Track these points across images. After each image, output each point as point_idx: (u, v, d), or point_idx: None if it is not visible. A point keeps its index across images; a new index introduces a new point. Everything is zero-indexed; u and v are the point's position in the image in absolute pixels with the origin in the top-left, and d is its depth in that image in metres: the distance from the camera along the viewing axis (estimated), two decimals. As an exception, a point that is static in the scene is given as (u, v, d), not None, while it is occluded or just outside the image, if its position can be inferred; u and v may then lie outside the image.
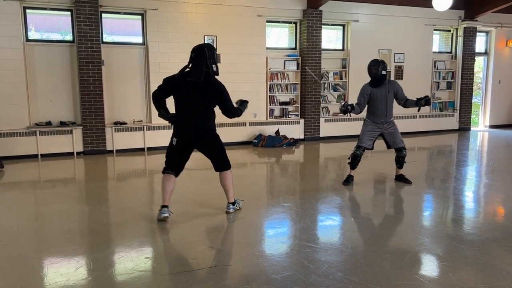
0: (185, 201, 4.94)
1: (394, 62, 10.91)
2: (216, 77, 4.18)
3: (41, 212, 4.78)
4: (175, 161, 4.28)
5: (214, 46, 4.16)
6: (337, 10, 10.04)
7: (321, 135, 10.20)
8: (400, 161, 5.76)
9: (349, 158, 5.75)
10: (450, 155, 8.69)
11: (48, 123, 8.12)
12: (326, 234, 3.99)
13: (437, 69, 11.48)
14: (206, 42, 8.97)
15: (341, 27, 10.48)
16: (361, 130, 5.66)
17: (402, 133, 10.80)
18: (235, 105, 4.41)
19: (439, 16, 10.90)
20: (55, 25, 8.49)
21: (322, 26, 9.84)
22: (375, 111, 5.52)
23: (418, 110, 5.60)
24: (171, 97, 4.23)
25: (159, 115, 4.26)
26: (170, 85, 4.15)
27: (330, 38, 10.62)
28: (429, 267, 3.23)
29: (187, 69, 4.10)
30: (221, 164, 4.36)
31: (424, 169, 7.17)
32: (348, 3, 10.14)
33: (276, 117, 9.97)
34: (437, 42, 11.78)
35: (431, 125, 11.50)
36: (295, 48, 10.11)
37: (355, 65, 10.46)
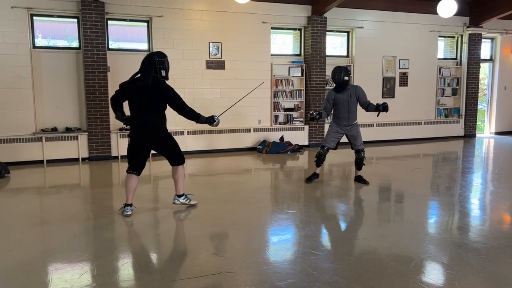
0: (189, 209, 4.95)
1: (399, 68, 10.92)
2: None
3: (46, 218, 4.80)
4: (134, 160, 4.63)
5: (165, 53, 4.66)
6: (341, 17, 10.07)
7: (325, 142, 10.17)
8: (358, 163, 6.19)
9: (316, 157, 6.18)
10: (455, 162, 8.65)
11: (54, 129, 8.18)
12: (330, 241, 3.97)
13: (442, 75, 11.46)
14: (212, 49, 9.04)
15: (346, 33, 10.51)
16: (327, 131, 6.15)
17: (408, 140, 10.99)
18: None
19: (444, 22, 10.91)
20: (61, 32, 8.57)
21: (327, 32, 9.87)
22: (339, 115, 5.95)
23: (378, 115, 5.91)
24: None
25: (116, 117, 4.65)
26: (123, 89, 4.54)
27: (334, 44, 10.64)
28: (434, 275, 3.20)
29: (138, 75, 4.50)
30: (175, 159, 4.78)
31: (429, 176, 7.14)
32: (353, 10, 10.17)
33: (280, 123, 9.98)
34: (442, 49, 11.77)
35: (436, 131, 11.48)
36: (299, 55, 10.14)
37: (359, 71, 10.48)
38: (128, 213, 4.60)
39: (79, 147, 8.24)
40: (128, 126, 4.65)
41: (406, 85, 11.05)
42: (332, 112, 6.09)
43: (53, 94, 8.21)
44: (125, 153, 8.49)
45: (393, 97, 10.94)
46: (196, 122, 4.77)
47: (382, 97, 10.83)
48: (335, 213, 4.85)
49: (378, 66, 10.72)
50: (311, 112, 5.95)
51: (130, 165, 4.64)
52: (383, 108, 5.65)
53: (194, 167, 7.82)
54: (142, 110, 4.49)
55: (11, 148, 7.77)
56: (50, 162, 8.04)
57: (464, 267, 3.27)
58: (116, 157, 8.49)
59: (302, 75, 9.91)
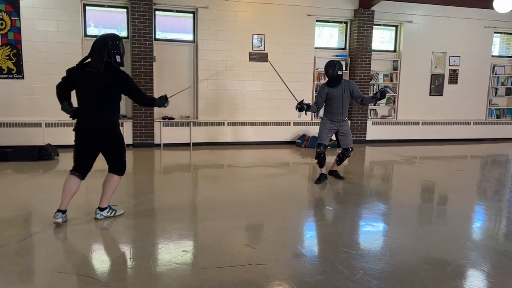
0: (228, 199, 5.01)
1: (449, 65, 10.47)
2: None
3: (88, 200, 5.01)
4: (79, 160, 3.98)
5: (119, 36, 4.05)
6: (390, 11, 9.77)
7: (367, 138, 9.97)
8: (342, 159, 6.06)
9: (316, 158, 5.95)
10: (505, 165, 8.22)
11: (101, 115, 8.49)
12: (364, 241, 3.89)
13: (495, 73, 10.89)
14: (255, 41, 9.04)
15: (394, 27, 10.19)
16: (319, 128, 5.98)
17: (455, 140, 10.49)
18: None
19: (501, 18, 10.33)
20: (112, 22, 8.86)
21: (374, 26, 9.61)
22: (332, 110, 5.79)
23: (375, 104, 5.68)
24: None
25: (62, 109, 3.95)
26: (69, 76, 3.89)
27: (383, 38, 10.35)
28: (471, 282, 3.07)
29: (87, 60, 3.88)
30: (116, 164, 4.05)
31: (476, 179, 6.83)
32: (402, 3, 9.83)
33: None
34: (498, 46, 11.16)
35: (487, 132, 10.94)
36: (344, 48, 9.95)
37: (407, 67, 10.15)
38: (58, 220, 3.87)
39: (124, 133, 8.46)
40: (75, 120, 3.95)
41: (456, 83, 10.59)
42: (323, 107, 5.91)
43: (101, 82, 8.51)
44: (167, 142, 8.85)
45: (441, 95, 10.53)
46: (152, 107, 4.22)
47: (430, 95, 10.46)
48: (372, 212, 4.75)
49: (427, 62, 10.33)
50: (300, 102, 5.66)
51: (74, 165, 3.98)
52: (381, 94, 5.42)
53: (231, 158, 7.89)
54: (90, 100, 3.84)
55: (61, 132, 8.15)
56: (97, 147, 8.36)
57: (505, 276, 3.11)
58: (158, 145, 8.72)
59: (346, 69, 9.71)
